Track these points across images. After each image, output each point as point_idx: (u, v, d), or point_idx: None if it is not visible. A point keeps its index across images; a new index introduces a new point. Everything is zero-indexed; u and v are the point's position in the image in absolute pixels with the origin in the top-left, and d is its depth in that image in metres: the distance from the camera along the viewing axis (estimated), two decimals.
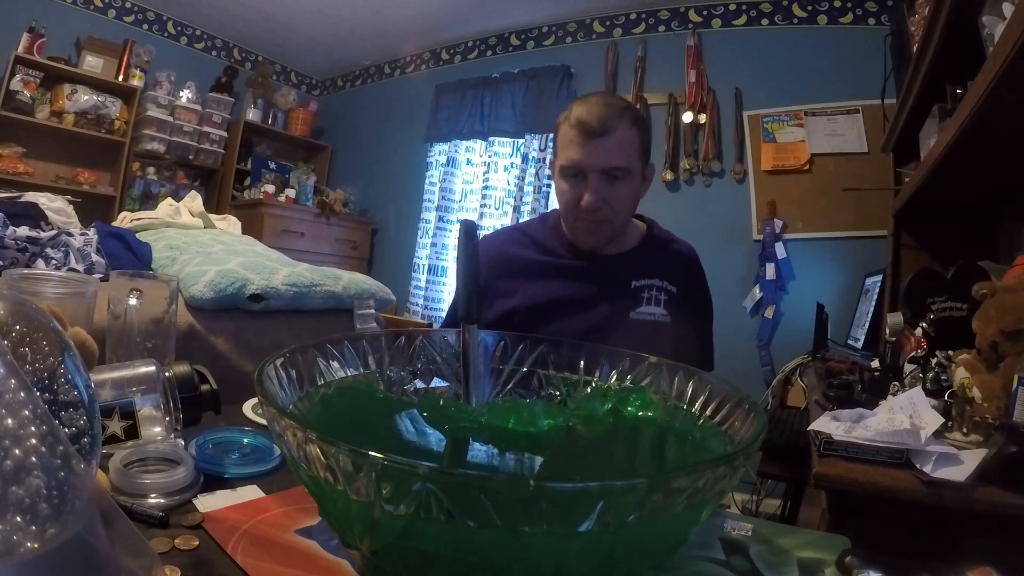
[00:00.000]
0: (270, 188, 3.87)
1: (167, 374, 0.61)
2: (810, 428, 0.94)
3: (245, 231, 2.46)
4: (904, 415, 0.88)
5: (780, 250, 2.68)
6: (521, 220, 3.12)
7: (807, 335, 2.24)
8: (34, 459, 0.29)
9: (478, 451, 0.54)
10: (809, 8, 2.77)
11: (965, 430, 0.85)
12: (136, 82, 3.55)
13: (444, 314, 1.22)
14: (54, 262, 1.47)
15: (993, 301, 0.89)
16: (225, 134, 3.95)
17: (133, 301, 0.80)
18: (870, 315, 2.05)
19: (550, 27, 3.48)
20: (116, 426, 0.56)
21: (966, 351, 0.93)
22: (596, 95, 1.06)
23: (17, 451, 0.28)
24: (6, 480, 0.27)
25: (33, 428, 0.29)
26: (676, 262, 1.14)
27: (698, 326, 1.12)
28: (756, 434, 0.41)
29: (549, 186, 3.25)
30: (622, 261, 1.11)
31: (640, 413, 0.55)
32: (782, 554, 0.49)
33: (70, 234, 1.57)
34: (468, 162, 3.72)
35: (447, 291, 3.61)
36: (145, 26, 3.74)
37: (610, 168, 1.01)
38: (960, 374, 0.90)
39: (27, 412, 0.30)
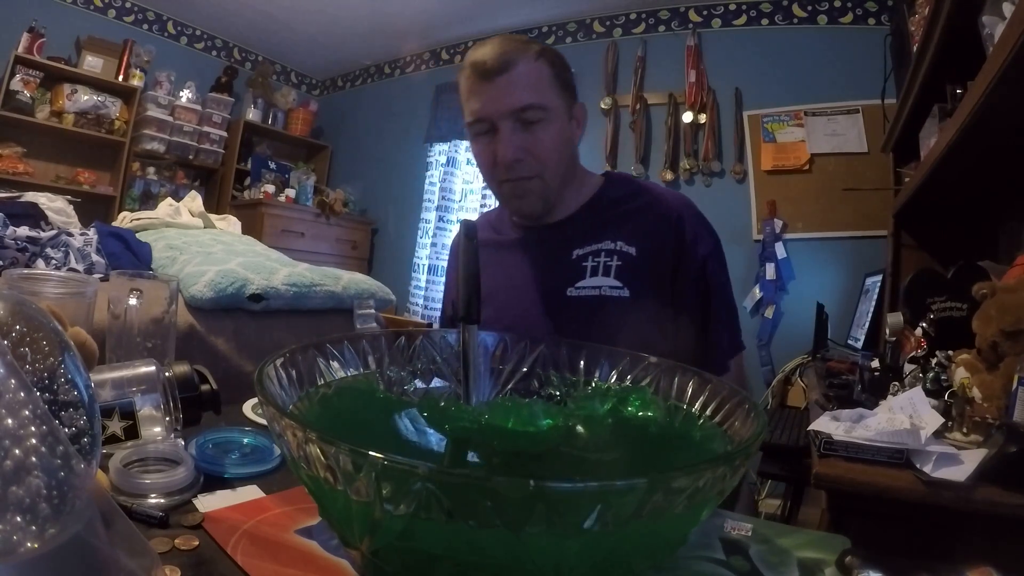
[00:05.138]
0: (270, 188, 3.87)
1: (167, 374, 0.61)
2: (810, 428, 0.94)
3: (245, 231, 2.46)
4: (904, 415, 0.88)
5: (780, 250, 2.68)
6: None
7: (807, 335, 2.24)
8: (34, 459, 0.29)
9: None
10: (809, 8, 2.77)
11: (965, 430, 0.85)
12: (136, 82, 3.55)
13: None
14: (54, 262, 1.47)
15: (993, 301, 0.89)
16: (225, 134, 3.95)
17: (133, 301, 0.80)
18: (870, 315, 2.05)
19: (550, 27, 3.48)
20: (116, 426, 0.56)
21: (966, 351, 0.93)
22: (494, 37, 0.89)
23: (17, 451, 0.28)
24: (6, 480, 0.27)
25: (33, 428, 0.29)
26: (639, 216, 0.90)
27: (685, 306, 0.86)
28: (756, 434, 0.41)
29: None
30: (564, 228, 0.92)
31: (640, 413, 0.55)
32: (782, 554, 0.49)
33: (70, 234, 1.57)
34: (468, 162, 3.71)
35: None
36: (145, 26, 3.74)
37: (519, 108, 0.84)
38: (960, 374, 0.90)
39: (27, 412, 0.30)
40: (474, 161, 0.96)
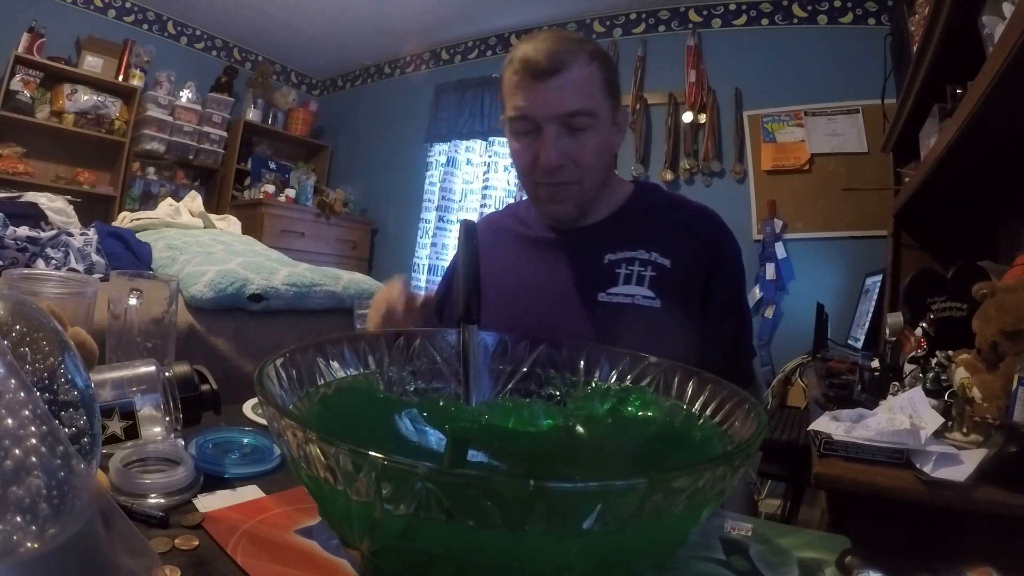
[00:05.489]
0: (270, 188, 3.87)
1: (167, 374, 0.61)
2: (810, 428, 0.94)
3: (245, 231, 2.46)
4: (904, 415, 0.88)
5: (780, 250, 2.68)
6: None
7: (807, 335, 2.23)
8: (34, 459, 0.29)
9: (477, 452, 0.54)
10: (809, 8, 2.77)
11: (965, 430, 0.85)
12: (136, 82, 3.55)
13: None
14: (54, 262, 1.47)
15: (993, 301, 0.89)
16: (225, 134, 3.95)
17: (133, 301, 0.80)
18: (870, 315, 2.05)
19: (550, 27, 3.48)
20: (116, 426, 0.56)
21: (966, 351, 0.93)
22: (544, 31, 0.85)
23: (17, 451, 0.28)
24: (6, 480, 0.27)
25: (33, 428, 0.29)
26: (674, 229, 0.90)
27: (718, 317, 0.88)
28: (756, 434, 0.41)
29: None
30: (596, 232, 0.92)
31: (640, 413, 0.55)
32: (782, 554, 0.49)
33: (70, 234, 1.57)
34: (468, 162, 3.72)
35: None
36: (145, 26, 3.74)
37: (568, 114, 0.82)
38: (960, 374, 0.90)
39: (27, 412, 0.30)
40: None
